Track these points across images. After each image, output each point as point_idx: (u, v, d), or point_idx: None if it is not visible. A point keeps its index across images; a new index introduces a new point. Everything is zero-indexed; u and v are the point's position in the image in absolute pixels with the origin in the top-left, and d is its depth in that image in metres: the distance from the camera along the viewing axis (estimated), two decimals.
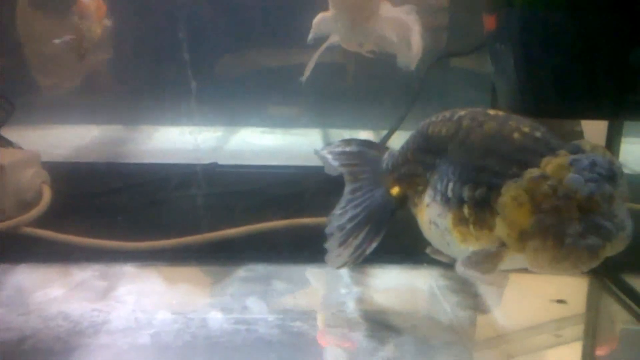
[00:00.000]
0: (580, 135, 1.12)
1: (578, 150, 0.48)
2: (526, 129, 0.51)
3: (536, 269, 0.48)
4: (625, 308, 0.66)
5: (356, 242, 0.60)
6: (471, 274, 0.51)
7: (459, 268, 0.51)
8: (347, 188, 0.64)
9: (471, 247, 0.52)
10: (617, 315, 0.66)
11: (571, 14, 0.64)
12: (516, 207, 0.47)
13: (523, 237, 0.47)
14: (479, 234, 0.50)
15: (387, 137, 1.03)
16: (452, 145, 0.55)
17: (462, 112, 0.56)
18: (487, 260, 0.49)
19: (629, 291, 0.68)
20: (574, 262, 0.46)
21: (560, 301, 0.67)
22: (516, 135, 0.51)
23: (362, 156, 0.65)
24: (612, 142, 0.71)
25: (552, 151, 0.48)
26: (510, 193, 0.47)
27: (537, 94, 0.68)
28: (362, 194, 0.63)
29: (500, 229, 0.48)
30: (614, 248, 0.47)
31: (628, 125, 0.74)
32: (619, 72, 0.64)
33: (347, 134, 1.43)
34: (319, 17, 0.99)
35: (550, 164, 0.47)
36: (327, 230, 0.62)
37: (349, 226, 0.61)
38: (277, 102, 1.51)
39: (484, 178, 0.50)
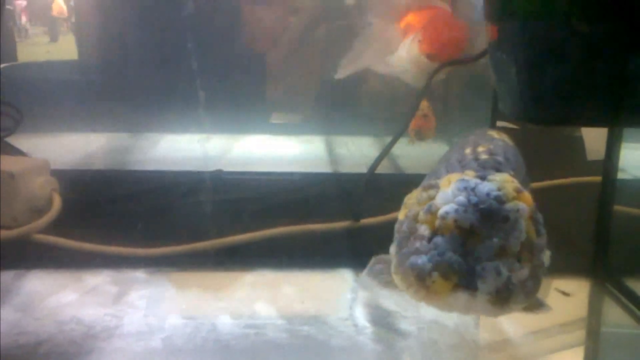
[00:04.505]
0: (580, 140, 1.13)
1: (484, 177, 0.41)
2: (480, 149, 0.48)
3: None
4: (627, 312, 0.67)
5: None
6: (374, 285, 0.46)
7: (363, 279, 0.47)
8: None
9: None
10: (619, 319, 0.67)
11: (571, 23, 0.65)
12: (402, 209, 0.44)
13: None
14: None
15: (392, 144, 1.04)
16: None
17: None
18: (387, 270, 0.44)
19: (630, 295, 0.68)
20: (403, 278, 0.40)
21: (565, 294, 0.68)
22: (467, 150, 0.49)
23: None
24: (612, 148, 0.73)
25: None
26: (407, 196, 0.44)
27: (538, 102, 0.69)
28: None
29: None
30: (476, 304, 0.38)
31: (628, 130, 0.76)
32: (618, 79, 0.65)
33: (351, 140, 1.44)
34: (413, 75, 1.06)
35: (446, 179, 0.42)
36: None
37: None
38: (282, 109, 1.53)
39: (429, 183, 0.47)
